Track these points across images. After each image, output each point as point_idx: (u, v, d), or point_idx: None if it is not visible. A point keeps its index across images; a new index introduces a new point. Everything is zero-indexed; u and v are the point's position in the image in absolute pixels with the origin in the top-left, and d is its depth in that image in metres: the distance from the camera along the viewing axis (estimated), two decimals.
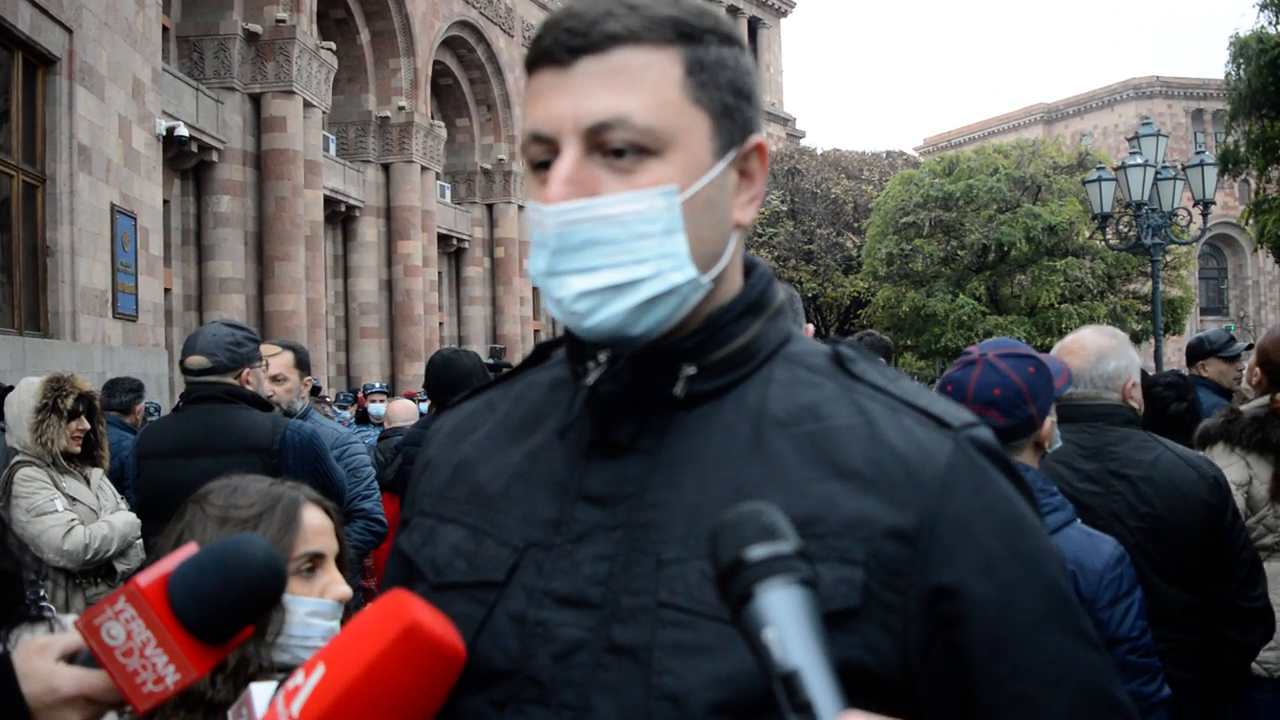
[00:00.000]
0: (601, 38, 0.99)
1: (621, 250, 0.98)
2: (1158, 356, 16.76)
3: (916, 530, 0.96)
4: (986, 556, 0.97)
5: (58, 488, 4.53)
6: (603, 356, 1.05)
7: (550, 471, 1.07)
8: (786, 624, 0.77)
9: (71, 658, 1.21)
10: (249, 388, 4.08)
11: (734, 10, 51.11)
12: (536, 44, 1.02)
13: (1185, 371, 5.94)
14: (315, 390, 10.20)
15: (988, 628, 0.95)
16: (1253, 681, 3.65)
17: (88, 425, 4.70)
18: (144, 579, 1.16)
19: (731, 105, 1.04)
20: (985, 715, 0.95)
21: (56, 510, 4.43)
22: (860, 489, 0.97)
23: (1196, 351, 5.94)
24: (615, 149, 0.99)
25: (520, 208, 32.47)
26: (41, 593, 2.48)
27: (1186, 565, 3.09)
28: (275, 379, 4.80)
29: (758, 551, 0.80)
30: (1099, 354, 3.16)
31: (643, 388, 1.04)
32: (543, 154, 1.01)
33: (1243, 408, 3.93)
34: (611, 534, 1.01)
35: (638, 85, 0.99)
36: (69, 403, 4.59)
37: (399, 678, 0.93)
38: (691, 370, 1.04)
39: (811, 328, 3.46)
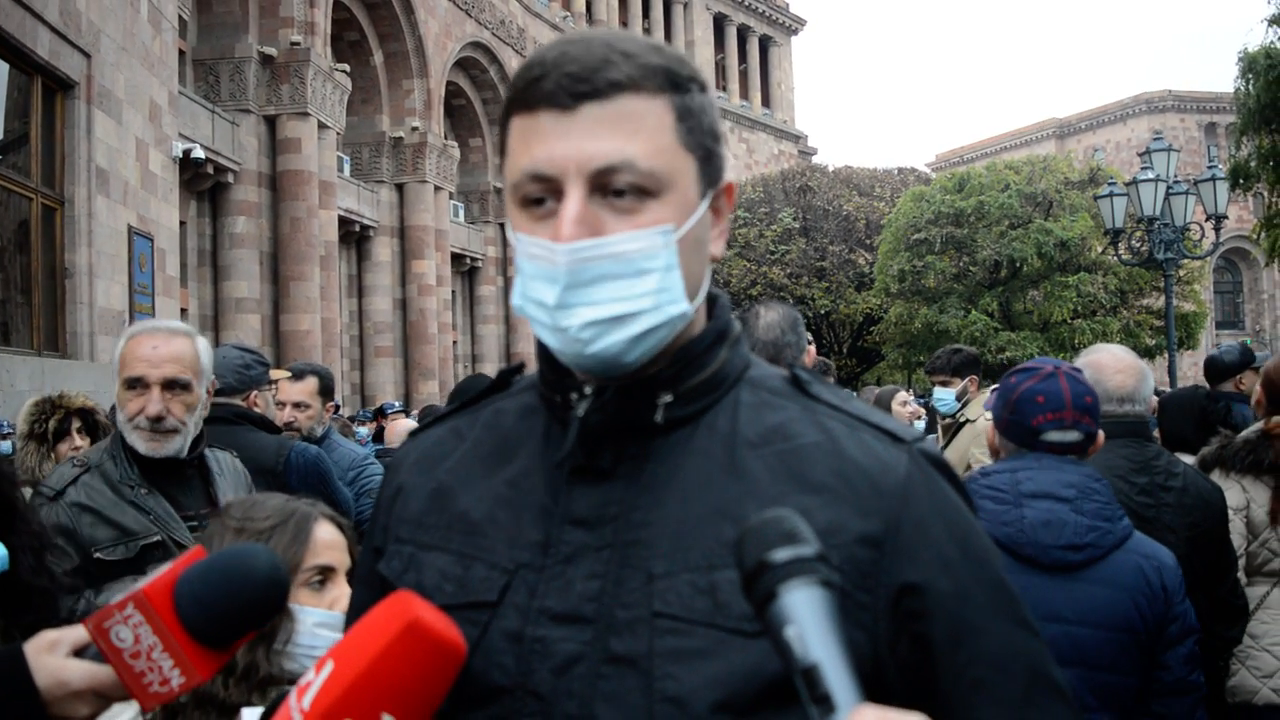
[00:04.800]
0: (605, 85, 1.04)
1: (626, 285, 1.04)
2: (1171, 372, 16.70)
3: (883, 535, 1.05)
4: (943, 556, 1.06)
5: None
6: (588, 388, 1.11)
7: (533, 497, 1.13)
8: (807, 622, 0.83)
9: (80, 652, 1.27)
10: (256, 409, 4.11)
11: (746, 29, 51.25)
12: (533, 86, 1.05)
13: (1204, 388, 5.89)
14: (335, 409, 10.23)
15: (947, 620, 1.04)
16: (1268, 711, 3.69)
17: (80, 443, 4.57)
18: (151, 585, 1.21)
19: (711, 149, 1.12)
20: (947, 699, 1.03)
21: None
22: (830, 501, 1.05)
23: (1227, 369, 5.84)
24: (617, 190, 1.04)
25: None
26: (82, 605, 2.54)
27: (1211, 569, 3.28)
28: (298, 406, 4.82)
29: (781, 554, 0.87)
30: (1142, 372, 3.35)
31: (626, 416, 1.10)
32: (539, 192, 1.06)
33: (1241, 434, 3.97)
34: (600, 553, 1.07)
35: (639, 131, 1.05)
36: (51, 425, 4.51)
37: (402, 671, 0.99)
38: (668, 398, 1.11)
39: (814, 349, 3.50)
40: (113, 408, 6.56)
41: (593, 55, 1.05)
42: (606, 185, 1.04)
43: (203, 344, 2.97)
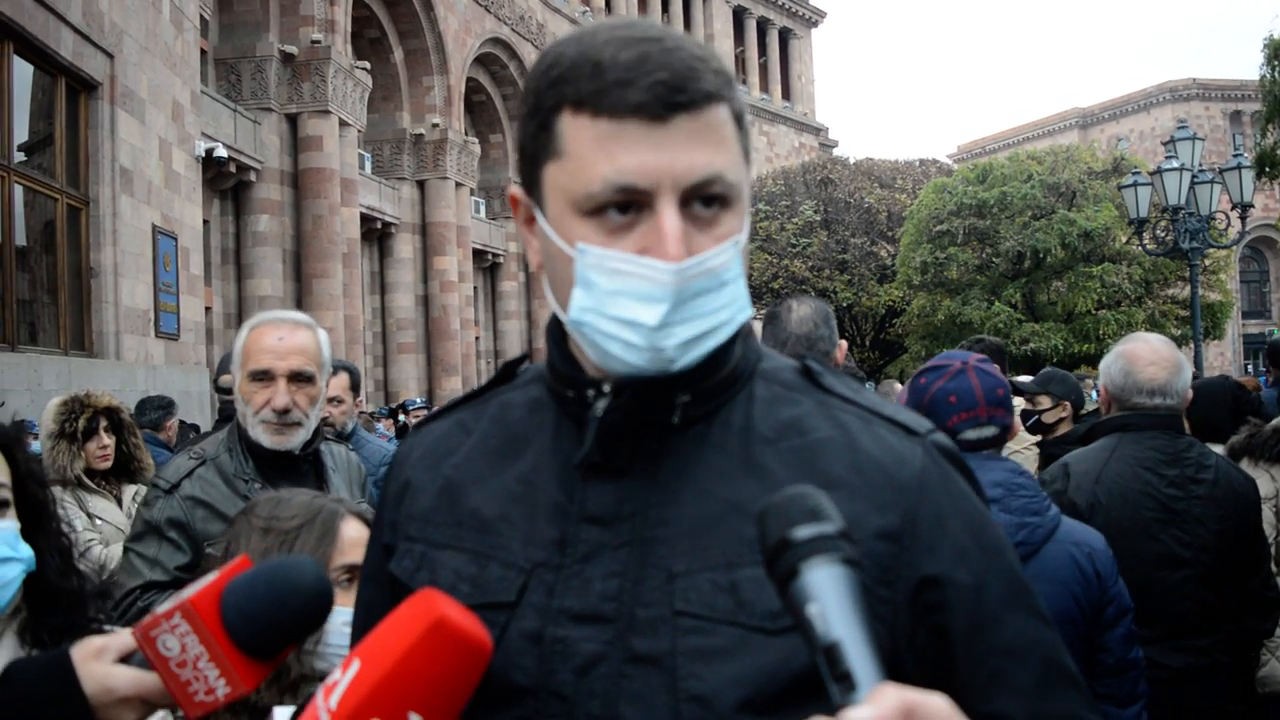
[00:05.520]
0: (701, 96, 1.00)
1: (712, 299, 1.03)
2: (1198, 362, 16.58)
3: (900, 529, 1.05)
4: (960, 548, 1.06)
5: (82, 508, 4.50)
6: (606, 387, 1.09)
7: (546, 494, 1.11)
8: (829, 599, 0.82)
9: (126, 659, 1.28)
10: None
11: (765, 21, 51.09)
12: (613, 91, 0.99)
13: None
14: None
15: (965, 611, 1.04)
16: None
17: (107, 441, 4.65)
18: (198, 596, 1.22)
19: (749, 153, 1.10)
20: (965, 688, 1.02)
21: (74, 530, 4.40)
22: (847, 496, 1.03)
23: None
24: (705, 200, 1.02)
25: None
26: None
27: (1242, 561, 3.27)
28: (332, 400, 4.78)
29: (803, 532, 0.86)
30: (1178, 365, 3.30)
31: (644, 415, 1.09)
32: (621, 200, 1.01)
33: (1271, 423, 3.94)
34: (618, 552, 1.06)
35: (723, 141, 1.03)
36: (81, 424, 4.55)
37: (429, 669, 0.98)
38: (686, 398, 1.09)
39: (845, 344, 3.50)
40: (139, 405, 6.52)
41: (679, 61, 1.00)
42: (694, 197, 1.02)
43: (323, 336, 2.92)
